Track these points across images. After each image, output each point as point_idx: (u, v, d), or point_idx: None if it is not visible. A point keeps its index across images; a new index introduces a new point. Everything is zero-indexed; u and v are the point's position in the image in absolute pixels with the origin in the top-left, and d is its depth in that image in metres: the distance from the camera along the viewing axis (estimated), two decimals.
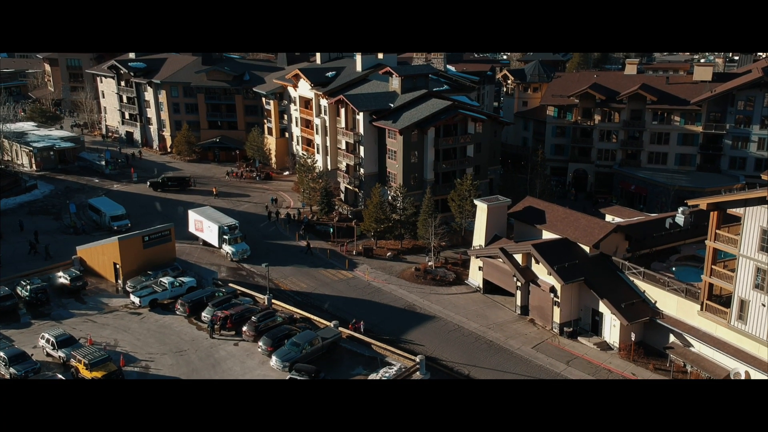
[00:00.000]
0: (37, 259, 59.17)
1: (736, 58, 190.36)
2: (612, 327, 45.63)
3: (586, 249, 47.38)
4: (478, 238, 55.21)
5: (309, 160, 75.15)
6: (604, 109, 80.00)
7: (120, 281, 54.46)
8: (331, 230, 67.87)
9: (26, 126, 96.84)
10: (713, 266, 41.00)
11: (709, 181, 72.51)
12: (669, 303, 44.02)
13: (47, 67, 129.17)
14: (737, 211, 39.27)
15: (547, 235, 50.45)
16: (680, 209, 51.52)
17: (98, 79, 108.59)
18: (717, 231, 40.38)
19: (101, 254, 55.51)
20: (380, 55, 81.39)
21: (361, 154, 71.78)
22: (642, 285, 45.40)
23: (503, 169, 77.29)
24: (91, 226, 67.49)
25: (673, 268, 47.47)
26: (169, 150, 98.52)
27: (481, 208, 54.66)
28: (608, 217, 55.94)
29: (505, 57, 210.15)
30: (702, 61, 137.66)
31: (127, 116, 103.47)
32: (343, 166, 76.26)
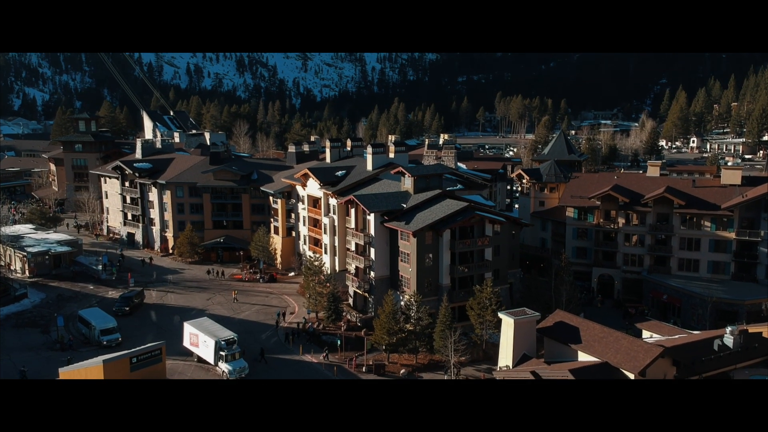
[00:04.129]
0: None
1: (749, 157, 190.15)
2: None
3: (631, 376, 41.50)
4: (505, 357, 49.38)
5: (316, 263, 70.88)
6: (628, 211, 75.91)
7: None
8: (338, 342, 62.32)
9: (23, 229, 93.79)
10: None
11: (747, 292, 67.34)
12: None
13: (52, 167, 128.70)
14: None
15: (583, 356, 44.70)
16: (728, 329, 46.01)
17: (102, 179, 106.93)
18: None
19: (84, 378, 49.87)
20: (391, 154, 79.06)
21: (372, 256, 67.67)
22: None
23: (523, 273, 72.55)
24: (79, 341, 62.17)
25: None
26: (170, 251, 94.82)
27: (507, 323, 49.20)
28: (645, 334, 50.43)
29: (512, 152, 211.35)
30: (729, 164, 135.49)
31: (129, 217, 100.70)
32: (352, 268, 71.92)
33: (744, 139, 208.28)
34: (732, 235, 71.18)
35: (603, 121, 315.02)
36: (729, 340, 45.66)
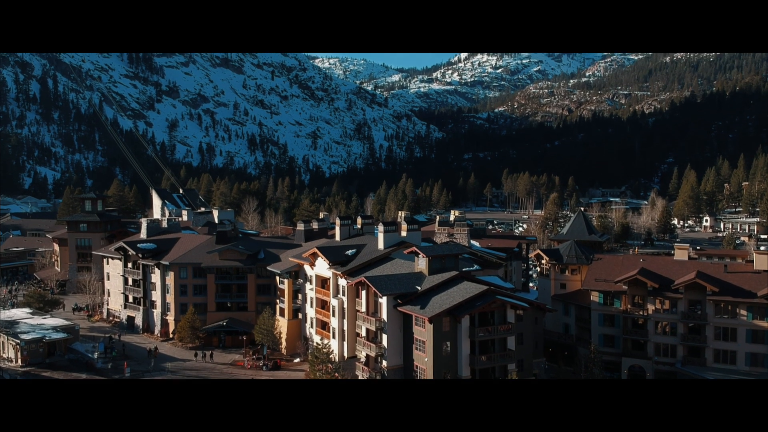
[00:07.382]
0: None
1: (764, 237, 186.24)
2: None
3: None
4: None
5: (324, 350, 66.31)
6: (657, 298, 71.60)
7: None
8: None
9: (18, 313, 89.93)
10: None
11: None
12: None
13: (56, 247, 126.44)
14: None
15: None
16: None
17: (105, 260, 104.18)
18: None
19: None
20: (403, 233, 76.08)
21: (384, 343, 63.27)
22: None
23: (547, 362, 67.64)
24: None
25: None
26: (171, 336, 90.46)
27: None
28: None
29: (521, 228, 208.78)
30: (762, 248, 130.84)
31: (130, 299, 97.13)
32: (362, 356, 67.27)
33: (758, 219, 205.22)
34: None
35: (612, 199, 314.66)
36: None
